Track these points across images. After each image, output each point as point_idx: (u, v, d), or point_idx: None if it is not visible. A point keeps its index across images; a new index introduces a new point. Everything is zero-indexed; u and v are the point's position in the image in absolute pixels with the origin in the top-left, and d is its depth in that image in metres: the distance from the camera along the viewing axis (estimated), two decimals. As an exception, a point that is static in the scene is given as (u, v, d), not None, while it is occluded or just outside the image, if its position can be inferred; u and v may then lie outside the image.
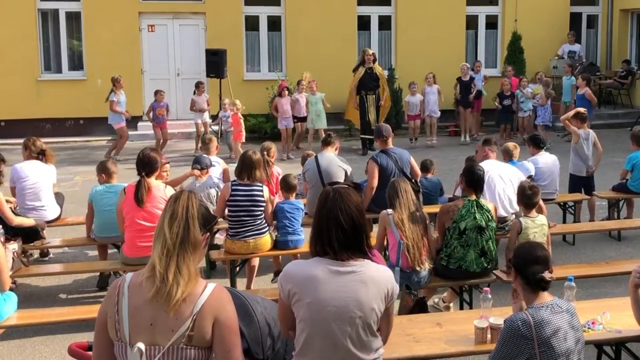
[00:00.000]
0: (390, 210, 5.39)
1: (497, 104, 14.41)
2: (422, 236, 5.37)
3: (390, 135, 7.35)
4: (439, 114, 14.46)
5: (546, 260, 3.44)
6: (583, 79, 13.30)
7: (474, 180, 5.54)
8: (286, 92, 13.29)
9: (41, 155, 7.34)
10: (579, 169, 8.51)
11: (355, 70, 13.70)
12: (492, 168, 6.69)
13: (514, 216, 6.73)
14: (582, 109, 8.86)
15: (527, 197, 5.57)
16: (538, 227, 5.54)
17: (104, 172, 6.78)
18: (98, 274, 6.96)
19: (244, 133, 13.01)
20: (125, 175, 7.48)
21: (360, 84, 13.40)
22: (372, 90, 13.42)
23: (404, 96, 14.99)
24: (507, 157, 7.52)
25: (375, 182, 7.08)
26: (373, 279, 2.95)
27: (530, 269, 3.42)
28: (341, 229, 2.93)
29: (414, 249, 5.28)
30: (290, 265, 3.06)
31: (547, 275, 3.37)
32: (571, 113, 8.81)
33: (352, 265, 2.95)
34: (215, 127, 13.94)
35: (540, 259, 3.43)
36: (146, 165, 5.90)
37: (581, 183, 8.54)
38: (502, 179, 6.67)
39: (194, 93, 13.93)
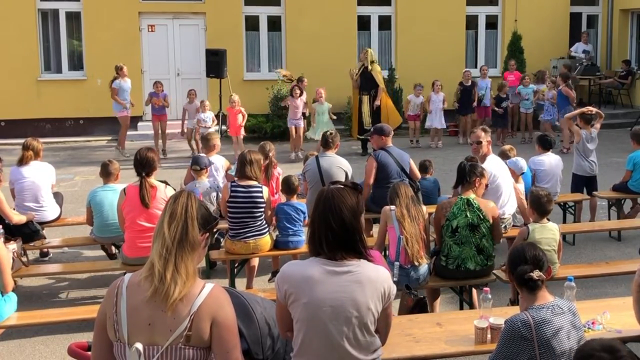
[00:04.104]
0: (392, 207, 5.43)
1: (496, 108, 14.36)
2: (421, 231, 5.39)
3: (390, 133, 7.37)
4: (445, 124, 14.45)
5: (536, 260, 3.44)
6: (560, 76, 13.52)
7: (460, 176, 5.58)
8: (297, 93, 13.08)
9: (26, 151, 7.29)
10: (582, 169, 8.50)
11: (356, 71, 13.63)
12: (495, 169, 6.67)
13: (511, 217, 6.74)
14: (586, 109, 8.86)
15: (542, 205, 5.50)
16: (547, 233, 5.46)
17: (103, 173, 6.82)
18: (97, 274, 6.97)
19: (241, 124, 12.86)
20: (125, 176, 7.48)
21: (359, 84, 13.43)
22: (367, 91, 13.33)
23: (405, 96, 14.96)
24: (504, 159, 7.51)
25: (372, 180, 7.10)
26: (369, 278, 2.94)
27: (518, 269, 3.43)
28: (331, 230, 2.92)
29: (413, 243, 5.29)
30: (287, 266, 3.05)
31: (535, 274, 3.37)
32: (576, 112, 8.83)
33: (348, 265, 2.94)
34: (216, 128, 13.88)
35: (529, 259, 3.43)
36: (145, 165, 5.88)
37: (583, 183, 8.55)
38: (505, 181, 6.68)
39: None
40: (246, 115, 13.06)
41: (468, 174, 5.52)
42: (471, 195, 5.48)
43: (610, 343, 2.52)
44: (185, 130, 13.66)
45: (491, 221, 5.46)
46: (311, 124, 13.44)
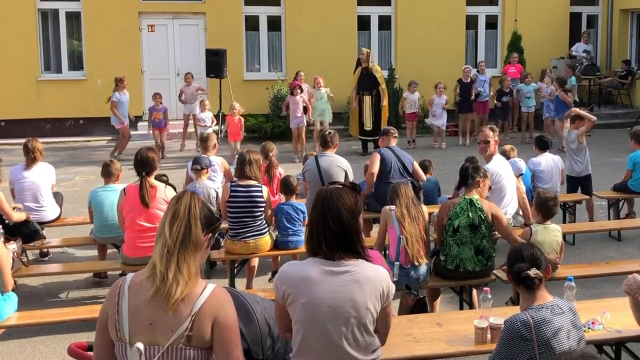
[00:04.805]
0: (392, 207, 5.43)
1: (495, 101, 14.49)
2: (421, 231, 5.40)
3: (393, 133, 7.45)
4: (446, 123, 14.45)
5: (533, 258, 3.43)
6: (557, 82, 13.64)
7: (462, 177, 5.60)
8: (298, 91, 13.00)
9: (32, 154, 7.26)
10: (568, 169, 8.50)
11: (355, 72, 13.66)
12: (500, 169, 6.69)
13: (511, 218, 6.75)
14: (575, 109, 8.90)
15: (548, 208, 5.52)
16: (550, 235, 5.47)
17: (104, 173, 6.82)
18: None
19: (241, 135, 12.91)
20: (125, 176, 7.48)
21: (358, 84, 13.40)
22: (369, 91, 13.32)
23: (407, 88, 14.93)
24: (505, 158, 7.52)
25: (376, 169, 7.12)
26: (368, 278, 2.94)
27: (514, 267, 3.43)
28: (329, 230, 2.91)
29: (413, 243, 5.29)
30: (285, 266, 3.05)
31: (532, 272, 3.37)
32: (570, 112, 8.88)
33: (346, 265, 2.94)
34: (216, 128, 13.89)
35: (526, 257, 3.43)
36: (145, 165, 5.89)
37: (574, 183, 8.53)
38: (510, 181, 6.71)
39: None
40: (243, 126, 12.99)
41: (472, 175, 5.52)
42: (475, 196, 5.48)
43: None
44: (183, 116, 13.81)
45: (495, 221, 5.45)
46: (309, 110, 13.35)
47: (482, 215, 5.40)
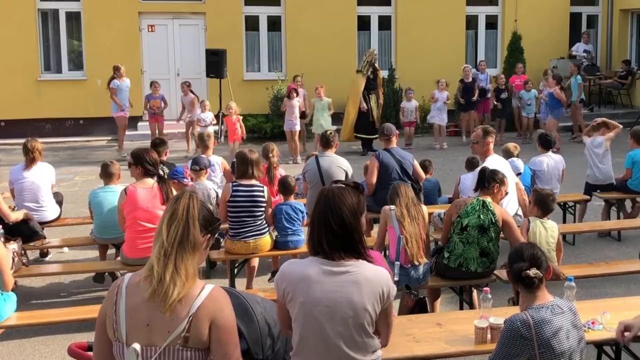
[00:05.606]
0: (392, 206, 5.43)
1: (495, 102, 14.54)
2: (421, 231, 5.39)
3: (393, 133, 7.39)
4: (446, 120, 14.47)
5: (534, 258, 3.43)
6: (553, 78, 13.60)
7: (479, 179, 5.58)
8: (294, 95, 13.01)
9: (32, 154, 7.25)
10: (593, 178, 8.42)
11: (365, 72, 13.66)
12: (498, 167, 6.68)
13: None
14: (598, 119, 8.82)
15: (546, 204, 5.58)
16: (547, 230, 5.50)
17: (103, 174, 6.81)
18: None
19: (241, 134, 12.81)
20: (125, 176, 7.47)
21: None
22: (373, 90, 13.63)
23: (404, 96, 14.96)
24: (507, 157, 7.51)
25: (374, 179, 7.10)
26: (367, 279, 2.93)
27: (514, 266, 3.43)
28: (330, 230, 2.91)
29: (413, 243, 5.29)
30: (286, 265, 3.06)
31: (531, 271, 3.37)
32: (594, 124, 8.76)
33: (346, 266, 2.93)
34: (215, 128, 13.88)
35: (526, 257, 3.43)
36: (156, 165, 5.94)
37: (593, 191, 8.43)
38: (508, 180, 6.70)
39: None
40: (244, 127, 12.90)
41: (487, 180, 5.51)
42: (488, 199, 5.46)
43: None
44: (185, 125, 13.85)
45: (505, 227, 5.44)
46: (312, 121, 13.44)
47: (492, 219, 5.38)
